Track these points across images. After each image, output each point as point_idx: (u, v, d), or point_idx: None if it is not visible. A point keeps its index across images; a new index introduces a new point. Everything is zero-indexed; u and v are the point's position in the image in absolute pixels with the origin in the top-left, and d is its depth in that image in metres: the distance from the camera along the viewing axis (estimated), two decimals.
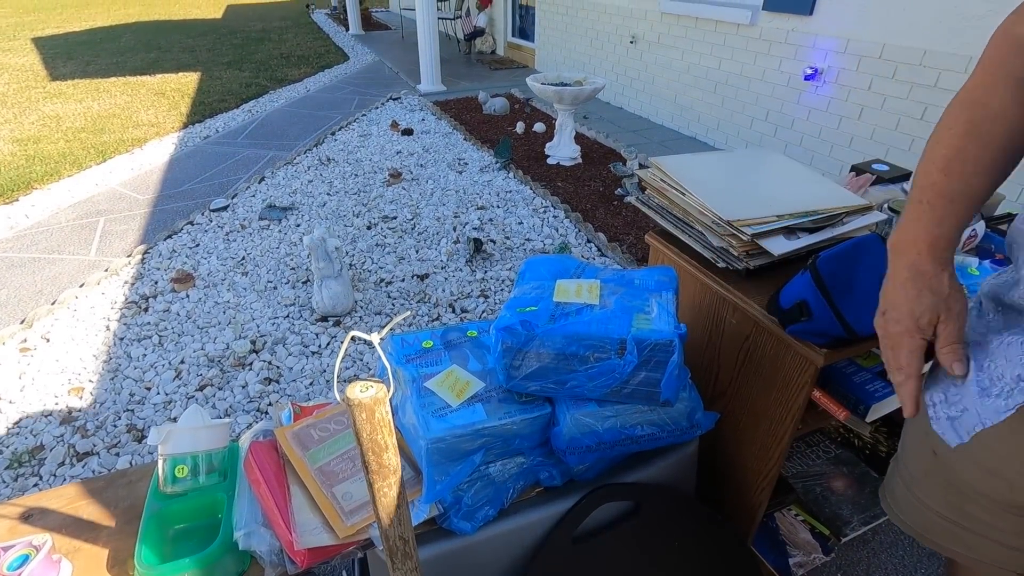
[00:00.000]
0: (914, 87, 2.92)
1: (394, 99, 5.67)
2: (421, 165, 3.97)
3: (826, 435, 1.48)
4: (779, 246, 1.00)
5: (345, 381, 2.04)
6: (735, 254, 1.02)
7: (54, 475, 1.68)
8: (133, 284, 2.59)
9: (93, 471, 1.68)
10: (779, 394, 1.02)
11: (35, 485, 1.65)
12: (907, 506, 0.78)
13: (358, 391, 0.55)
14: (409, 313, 2.36)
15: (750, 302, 1.01)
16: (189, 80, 6.43)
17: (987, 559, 0.70)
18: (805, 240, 1.03)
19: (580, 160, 3.98)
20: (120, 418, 1.87)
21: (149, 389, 1.98)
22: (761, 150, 1.22)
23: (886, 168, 1.38)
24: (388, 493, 0.63)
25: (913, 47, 2.88)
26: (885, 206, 1.18)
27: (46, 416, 1.88)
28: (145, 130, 4.76)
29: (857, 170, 1.39)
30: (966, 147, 0.62)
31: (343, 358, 0.60)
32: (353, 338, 2.24)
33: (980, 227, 1.14)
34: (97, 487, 1.04)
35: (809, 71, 3.42)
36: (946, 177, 0.62)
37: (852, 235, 1.06)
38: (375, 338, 0.54)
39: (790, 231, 1.04)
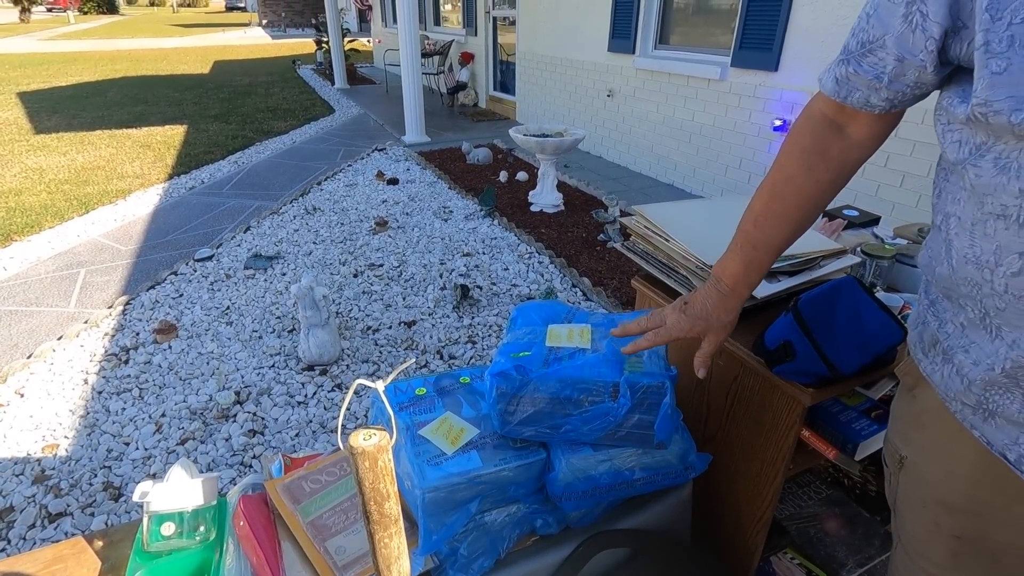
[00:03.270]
0: None
1: (379, 150, 5.80)
2: (407, 213, 4.03)
3: (816, 475, 1.49)
4: (762, 289, 1.04)
5: (330, 431, 2.00)
6: None
7: (23, 538, 1.60)
8: (113, 336, 2.54)
9: (66, 533, 1.61)
10: (769, 434, 1.03)
11: (3, 550, 1.57)
12: None
13: (361, 439, 0.55)
14: (413, 361, 2.34)
15: (736, 344, 1.04)
16: (175, 132, 6.51)
17: None
18: (786, 283, 1.07)
19: (563, 207, 4.09)
20: (96, 475, 1.80)
21: (128, 444, 1.92)
22: (740, 197, 1.28)
23: (856, 213, 1.45)
24: (389, 544, 0.62)
25: None
26: (858, 249, 1.23)
27: (17, 476, 1.80)
28: (130, 181, 4.77)
29: (829, 215, 1.45)
30: (769, 205, 0.78)
31: (344, 408, 0.59)
32: (337, 387, 2.21)
33: None
34: (76, 548, 1.00)
35: (778, 122, 3.61)
36: (755, 228, 0.80)
37: (829, 277, 1.11)
38: (380, 385, 0.55)
39: (771, 274, 1.08)
